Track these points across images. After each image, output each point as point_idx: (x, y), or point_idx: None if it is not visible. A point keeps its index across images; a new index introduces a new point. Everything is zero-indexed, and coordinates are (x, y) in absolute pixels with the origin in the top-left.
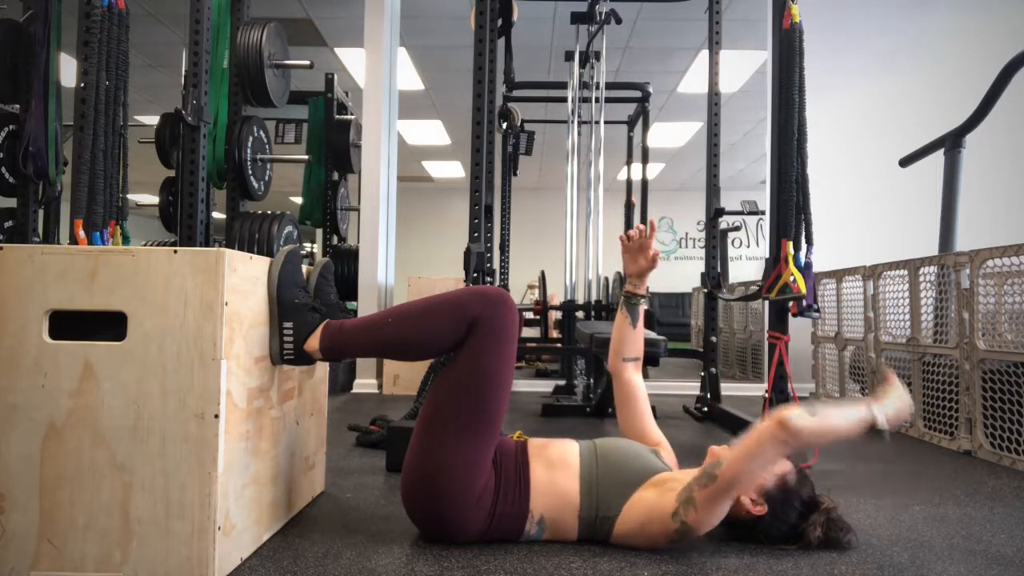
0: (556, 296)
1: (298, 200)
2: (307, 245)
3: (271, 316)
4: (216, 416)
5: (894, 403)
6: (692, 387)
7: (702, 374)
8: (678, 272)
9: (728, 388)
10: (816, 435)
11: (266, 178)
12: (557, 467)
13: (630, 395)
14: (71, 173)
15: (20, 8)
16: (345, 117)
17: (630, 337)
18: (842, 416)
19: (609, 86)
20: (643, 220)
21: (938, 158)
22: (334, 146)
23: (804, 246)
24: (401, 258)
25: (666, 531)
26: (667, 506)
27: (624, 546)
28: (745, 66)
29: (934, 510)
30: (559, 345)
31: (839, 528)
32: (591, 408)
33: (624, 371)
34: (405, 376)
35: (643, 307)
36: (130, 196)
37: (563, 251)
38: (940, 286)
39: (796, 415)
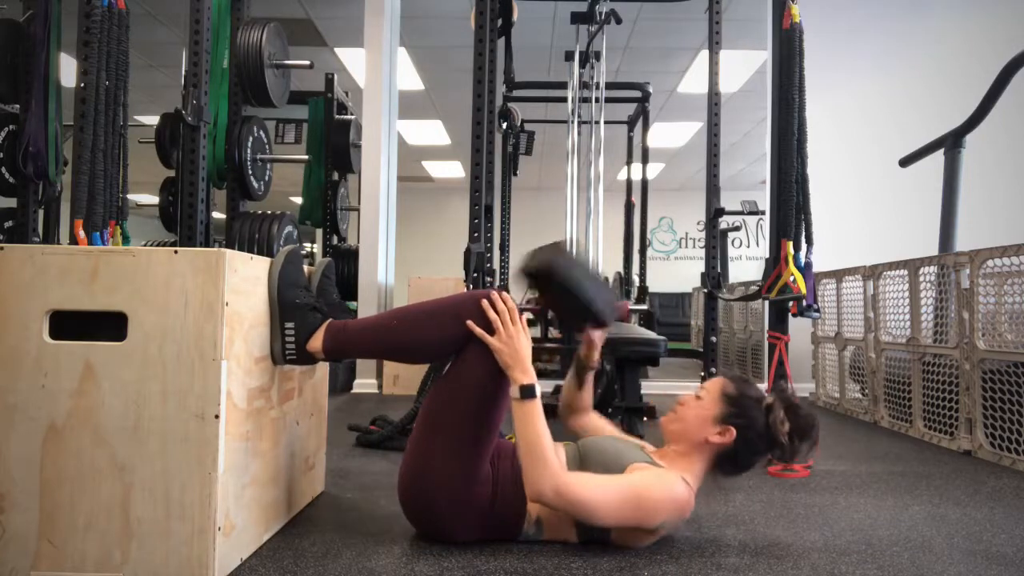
0: None
1: (298, 200)
2: (307, 245)
3: (272, 316)
4: (216, 416)
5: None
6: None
7: (702, 374)
8: (678, 272)
9: None
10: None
11: (266, 178)
12: None
13: (601, 429)
14: (71, 173)
15: (20, 8)
16: (345, 117)
17: (580, 397)
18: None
19: (609, 86)
20: (643, 220)
21: (938, 158)
22: (334, 146)
23: (804, 246)
24: (401, 258)
25: (657, 530)
26: None
27: (624, 544)
28: (745, 66)
29: (934, 510)
30: (559, 345)
31: (799, 412)
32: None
33: (583, 418)
34: (405, 376)
35: (585, 374)
36: (130, 196)
37: None
38: (940, 286)
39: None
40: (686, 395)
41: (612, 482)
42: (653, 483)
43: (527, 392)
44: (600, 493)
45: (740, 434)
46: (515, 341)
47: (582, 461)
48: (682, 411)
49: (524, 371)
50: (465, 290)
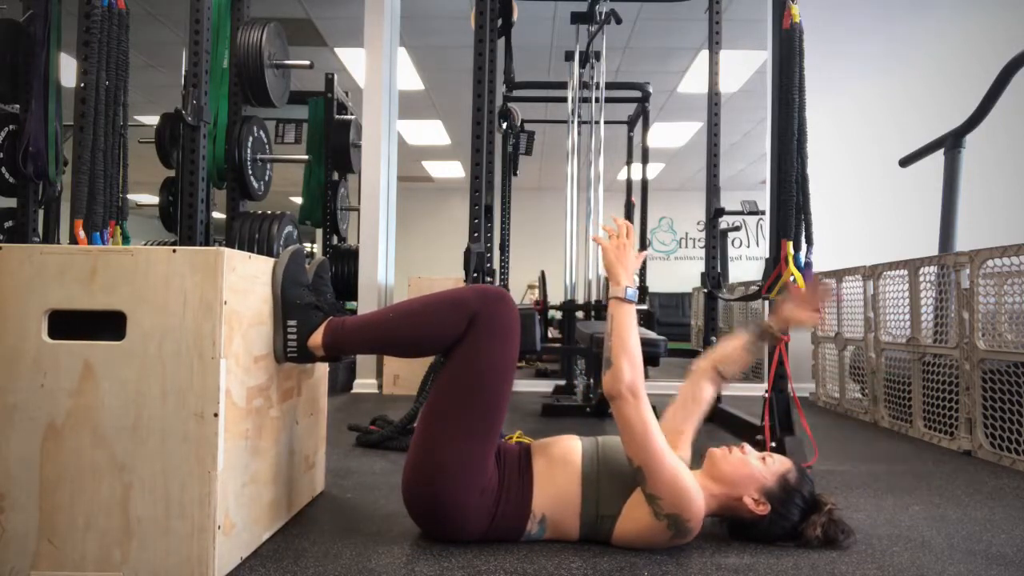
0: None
1: (298, 200)
2: (307, 245)
3: (275, 314)
4: (216, 415)
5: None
6: None
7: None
8: (678, 272)
9: (728, 388)
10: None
11: (266, 178)
12: (559, 465)
13: (697, 399)
14: (71, 173)
15: (20, 8)
16: (345, 117)
17: (741, 360)
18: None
19: (609, 86)
20: (643, 220)
21: (938, 158)
22: (334, 146)
23: (804, 246)
24: (401, 258)
25: (661, 530)
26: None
27: (626, 547)
28: (745, 66)
29: (934, 510)
30: (559, 345)
31: (839, 529)
32: (591, 408)
33: (708, 376)
34: (405, 376)
35: (767, 344)
36: (130, 196)
37: (563, 251)
38: (940, 286)
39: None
40: (751, 448)
41: (664, 440)
42: (689, 479)
43: (628, 294)
44: (655, 430)
45: (771, 516)
46: (625, 249)
47: (602, 460)
48: (740, 459)
49: (628, 275)
50: None
